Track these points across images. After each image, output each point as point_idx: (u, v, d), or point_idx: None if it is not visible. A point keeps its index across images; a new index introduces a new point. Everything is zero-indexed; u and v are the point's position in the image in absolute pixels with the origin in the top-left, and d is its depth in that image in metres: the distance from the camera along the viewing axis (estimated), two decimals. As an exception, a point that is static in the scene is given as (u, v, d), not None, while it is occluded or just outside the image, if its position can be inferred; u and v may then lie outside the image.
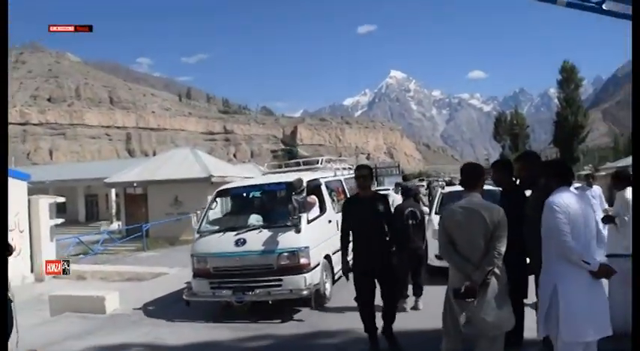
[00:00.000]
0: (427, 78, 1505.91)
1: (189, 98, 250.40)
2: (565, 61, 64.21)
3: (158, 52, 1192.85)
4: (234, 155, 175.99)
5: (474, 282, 3.73)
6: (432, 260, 8.79)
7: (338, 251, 8.29)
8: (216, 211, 8.40)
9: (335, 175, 9.74)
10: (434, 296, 6.94)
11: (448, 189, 12.32)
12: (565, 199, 3.68)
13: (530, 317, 4.72)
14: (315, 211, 7.86)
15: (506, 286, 3.93)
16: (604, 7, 5.79)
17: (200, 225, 7.89)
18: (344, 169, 10.72)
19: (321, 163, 9.85)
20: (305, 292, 6.99)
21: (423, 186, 51.68)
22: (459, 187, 12.13)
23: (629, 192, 6.40)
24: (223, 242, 7.33)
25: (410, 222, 7.14)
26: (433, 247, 8.63)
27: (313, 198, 7.91)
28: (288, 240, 7.12)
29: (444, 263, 7.90)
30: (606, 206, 9.26)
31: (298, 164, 10.05)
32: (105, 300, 8.31)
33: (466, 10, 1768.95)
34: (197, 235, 7.76)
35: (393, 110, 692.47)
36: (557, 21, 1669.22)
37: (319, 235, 7.69)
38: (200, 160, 23.57)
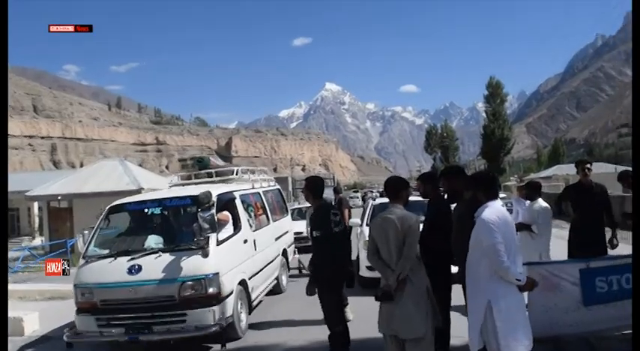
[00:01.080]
0: (361, 91, 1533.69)
1: (120, 108, 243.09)
2: (491, 77, 66.99)
3: (86, 60, 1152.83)
4: (167, 167, 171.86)
5: (389, 286, 3.97)
6: (363, 271, 8.77)
7: (256, 275, 7.43)
8: (108, 231, 7.15)
9: (253, 188, 8.75)
10: (365, 306, 6.94)
11: (379, 200, 12.42)
12: (499, 217, 3.76)
13: (455, 324, 4.77)
14: (228, 229, 6.88)
15: (426, 292, 4.07)
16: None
17: (87, 248, 6.58)
18: (263, 180, 9.73)
19: (237, 174, 8.67)
20: (214, 329, 5.88)
21: (357, 197, 52.83)
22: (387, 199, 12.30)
23: (540, 202, 6.81)
24: (114, 270, 6.08)
25: None
26: (364, 258, 8.63)
27: (225, 214, 6.94)
28: (193, 266, 5.95)
29: (374, 274, 7.93)
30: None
31: (210, 175, 8.73)
32: (23, 321, 7.58)
33: (398, 25, 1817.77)
34: (82, 261, 6.43)
35: (328, 122, 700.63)
36: (484, 38, 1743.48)
37: (232, 258, 6.62)
38: (130, 171, 22.67)
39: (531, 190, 7.10)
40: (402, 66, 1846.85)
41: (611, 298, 4.94)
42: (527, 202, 7.82)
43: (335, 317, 5.38)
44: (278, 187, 10.63)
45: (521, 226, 6.72)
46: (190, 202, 6.76)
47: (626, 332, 5.14)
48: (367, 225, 9.57)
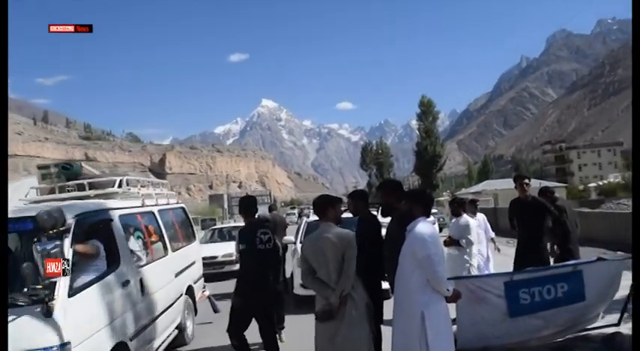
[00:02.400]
0: (298, 108, 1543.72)
1: (46, 122, 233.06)
2: (423, 96, 68.84)
3: (11, 71, 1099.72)
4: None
5: (332, 304, 3.95)
6: (297, 289, 8.74)
7: (143, 330, 5.26)
8: None
9: (143, 206, 6.45)
10: (300, 325, 6.89)
11: (313, 218, 12.35)
12: (431, 230, 3.96)
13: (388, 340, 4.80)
14: (97, 268, 4.74)
15: (367, 310, 4.10)
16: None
17: None
18: (160, 196, 7.37)
19: (121, 187, 6.28)
20: None
21: (294, 214, 52.81)
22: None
23: (465, 217, 7.16)
24: None
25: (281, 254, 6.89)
26: (298, 276, 8.59)
27: (90, 246, 4.74)
28: (25, 332, 3.76)
29: (308, 292, 7.91)
30: (492, 234, 8.69)
31: (82, 187, 6.14)
32: None
33: (334, 42, 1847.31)
34: None
35: (265, 139, 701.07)
36: (417, 57, 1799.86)
37: (99, 314, 4.44)
38: (55, 190, 21.72)
39: (456, 207, 7.36)
40: (338, 83, 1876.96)
41: (534, 309, 5.14)
42: (476, 216, 7.98)
43: (232, 329, 5.41)
44: (182, 205, 8.49)
45: (451, 241, 6.93)
46: (33, 227, 4.24)
47: (555, 340, 5.35)
48: (301, 243, 9.54)
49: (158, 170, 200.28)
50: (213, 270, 11.77)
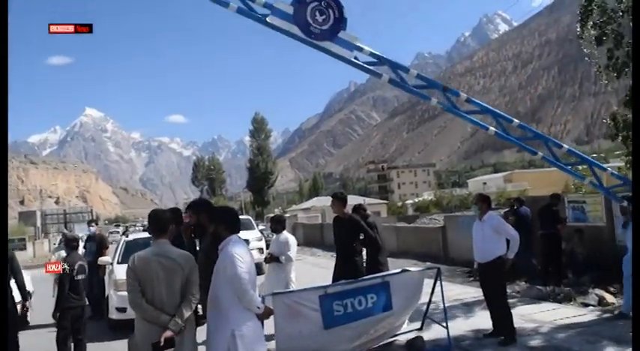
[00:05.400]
0: (126, 119, 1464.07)
1: None
2: (256, 113, 70.27)
3: None
4: None
5: (173, 331, 3.64)
6: (113, 313, 8.28)
7: None
8: None
9: None
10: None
11: (132, 236, 11.66)
12: (243, 249, 3.98)
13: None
14: None
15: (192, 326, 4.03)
16: (268, 19, 6.75)
17: None
18: None
19: None
20: None
21: (118, 232, 49.76)
22: (143, 234, 11.81)
23: (285, 234, 7.34)
24: None
25: (80, 278, 6.16)
26: (115, 299, 8.15)
27: None
28: None
29: (124, 316, 7.52)
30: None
31: None
32: None
33: (165, 51, 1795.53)
34: None
35: (88, 151, 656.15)
36: (252, 74, 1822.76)
37: None
38: None
39: (276, 224, 7.53)
40: (169, 95, 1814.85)
41: (347, 319, 5.38)
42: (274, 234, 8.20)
43: None
44: None
45: (271, 258, 7.09)
46: None
47: (368, 348, 5.69)
48: (119, 263, 9.04)
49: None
50: None
